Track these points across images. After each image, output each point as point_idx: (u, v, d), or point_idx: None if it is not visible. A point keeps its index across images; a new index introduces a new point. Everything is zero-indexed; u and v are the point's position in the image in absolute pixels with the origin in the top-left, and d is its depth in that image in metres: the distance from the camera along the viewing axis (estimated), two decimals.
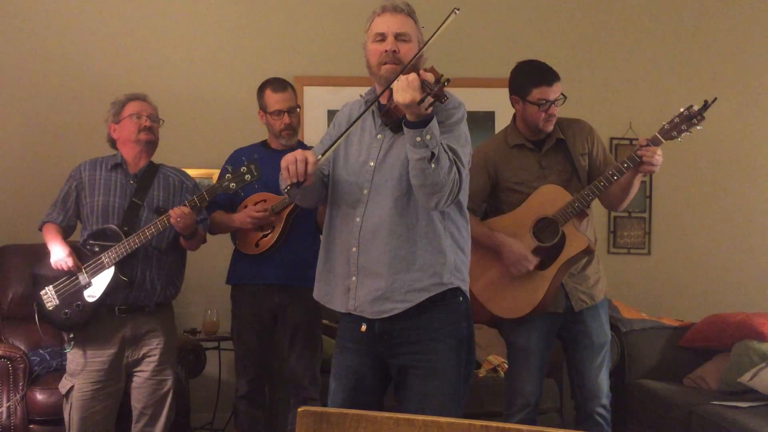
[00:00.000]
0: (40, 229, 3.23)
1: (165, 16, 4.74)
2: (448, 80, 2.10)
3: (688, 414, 3.60)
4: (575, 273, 3.09)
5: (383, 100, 2.36)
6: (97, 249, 3.07)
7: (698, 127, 2.87)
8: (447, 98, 2.14)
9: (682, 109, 2.87)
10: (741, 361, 3.81)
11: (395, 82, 2.15)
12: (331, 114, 4.61)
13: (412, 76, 2.11)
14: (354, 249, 2.33)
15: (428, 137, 2.14)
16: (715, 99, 2.84)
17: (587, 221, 3.12)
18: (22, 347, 3.86)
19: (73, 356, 3.12)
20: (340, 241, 2.38)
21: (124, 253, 3.01)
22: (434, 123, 2.17)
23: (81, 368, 3.08)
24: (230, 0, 4.79)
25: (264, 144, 3.60)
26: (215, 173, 3.73)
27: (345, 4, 4.72)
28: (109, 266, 3.03)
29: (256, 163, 2.91)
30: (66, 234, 3.22)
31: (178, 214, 2.96)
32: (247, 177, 2.91)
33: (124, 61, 4.68)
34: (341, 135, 2.30)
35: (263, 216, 3.35)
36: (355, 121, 2.32)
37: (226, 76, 4.73)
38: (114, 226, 3.07)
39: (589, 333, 3.10)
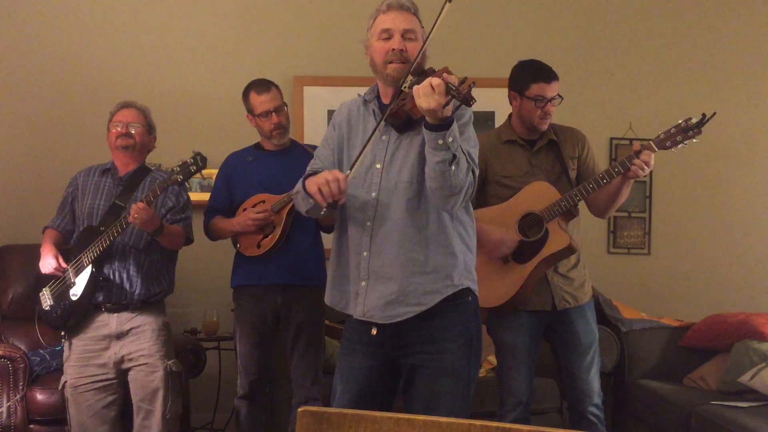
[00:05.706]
0: (43, 233, 3.36)
1: (164, 16, 4.74)
2: (473, 83, 2.04)
3: (688, 414, 3.60)
4: (563, 273, 3.10)
5: (386, 100, 2.34)
6: (79, 249, 3.15)
7: (694, 140, 2.84)
8: (474, 101, 2.07)
9: (680, 121, 2.86)
10: (741, 361, 3.81)
11: (417, 87, 2.09)
12: (332, 114, 4.60)
13: (437, 80, 2.05)
14: (365, 253, 2.30)
15: (450, 140, 2.12)
16: (714, 114, 2.79)
17: (575, 223, 3.13)
18: (22, 347, 3.85)
19: (64, 352, 3.23)
20: (350, 245, 2.35)
21: (98, 252, 3.07)
22: (455, 125, 2.14)
23: (70, 363, 3.17)
24: (230, 0, 4.79)
25: (257, 146, 3.60)
26: (214, 173, 3.73)
27: (345, 4, 4.72)
28: (88, 265, 3.11)
29: (202, 155, 2.95)
30: (64, 238, 3.33)
31: (134, 210, 2.96)
32: (192, 168, 2.95)
33: (124, 63, 4.68)
34: (365, 145, 2.28)
35: (264, 217, 3.36)
36: (375, 130, 2.29)
37: (226, 77, 4.72)
38: (92, 226, 3.16)
39: (576, 332, 3.11)
